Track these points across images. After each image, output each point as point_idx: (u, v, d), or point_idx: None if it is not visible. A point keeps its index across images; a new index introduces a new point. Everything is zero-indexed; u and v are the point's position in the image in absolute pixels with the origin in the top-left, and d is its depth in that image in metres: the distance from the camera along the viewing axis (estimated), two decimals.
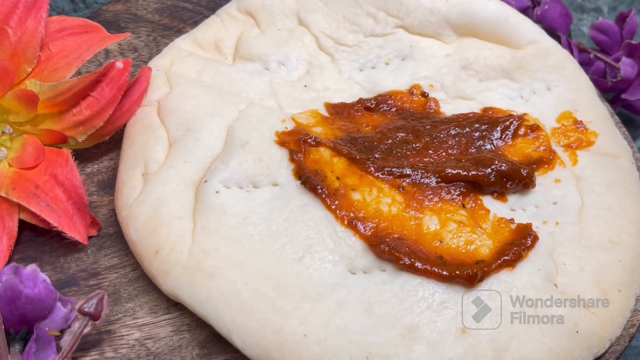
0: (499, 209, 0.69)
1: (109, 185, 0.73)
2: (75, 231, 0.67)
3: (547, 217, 0.69)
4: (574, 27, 0.98)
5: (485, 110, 0.75)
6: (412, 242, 0.65)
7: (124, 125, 0.73)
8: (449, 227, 0.66)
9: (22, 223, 0.68)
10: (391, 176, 0.69)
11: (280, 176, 0.69)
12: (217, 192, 0.67)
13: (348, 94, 0.76)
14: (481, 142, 0.72)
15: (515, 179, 0.69)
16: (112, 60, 0.70)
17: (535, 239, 0.66)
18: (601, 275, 0.65)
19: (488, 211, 0.68)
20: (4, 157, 0.70)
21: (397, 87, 0.77)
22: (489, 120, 0.74)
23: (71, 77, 0.69)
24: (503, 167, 0.69)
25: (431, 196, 0.68)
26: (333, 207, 0.66)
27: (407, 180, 0.69)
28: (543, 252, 0.66)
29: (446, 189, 0.69)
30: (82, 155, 0.73)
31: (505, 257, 0.64)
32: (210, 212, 0.66)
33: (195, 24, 0.82)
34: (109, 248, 0.69)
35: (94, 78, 0.69)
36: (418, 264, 0.63)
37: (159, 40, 0.82)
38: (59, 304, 0.61)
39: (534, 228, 0.67)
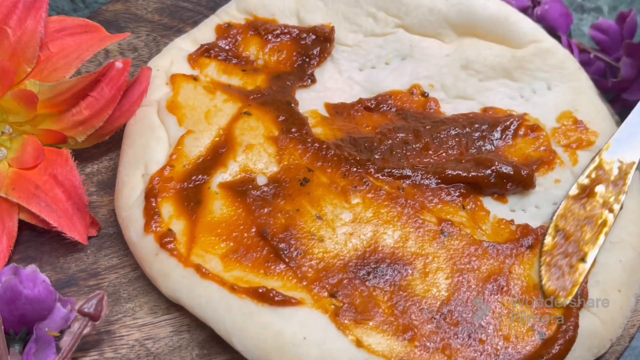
0: (499, 209, 0.69)
1: (109, 185, 0.73)
2: (75, 231, 0.67)
3: (547, 218, 0.69)
4: (574, 27, 0.97)
5: (485, 110, 0.75)
6: None
7: (124, 125, 0.73)
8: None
9: (21, 223, 0.68)
10: (391, 177, 0.69)
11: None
12: (216, 193, 0.67)
13: (348, 94, 0.76)
14: (481, 143, 0.72)
15: (516, 180, 0.69)
16: (111, 60, 0.70)
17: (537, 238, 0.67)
18: (601, 275, 0.65)
19: (488, 212, 0.69)
20: (3, 157, 0.70)
21: (397, 87, 0.77)
22: (489, 120, 0.73)
23: (71, 77, 0.69)
24: (503, 168, 0.69)
25: (431, 197, 0.68)
26: None
27: (407, 182, 0.69)
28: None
29: (446, 190, 0.69)
30: (82, 155, 0.73)
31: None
32: (210, 214, 0.66)
33: (195, 23, 0.82)
34: (109, 248, 0.69)
35: (93, 78, 0.68)
36: None
37: (158, 40, 0.82)
38: (58, 305, 0.61)
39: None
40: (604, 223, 0.67)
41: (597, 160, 0.71)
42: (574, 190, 0.69)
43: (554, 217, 0.68)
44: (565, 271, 0.64)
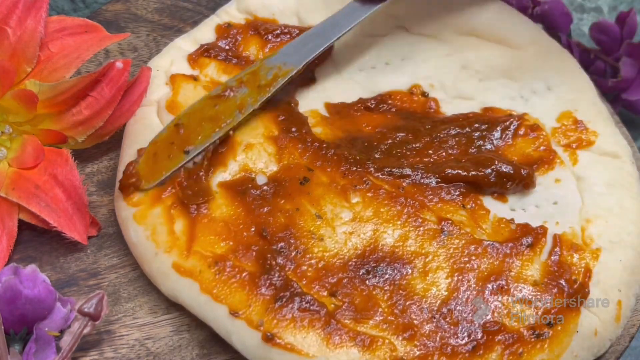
0: (499, 209, 0.69)
1: (109, 185, 0.73)
2: (75, 231, 0.67)
3: (547, 217, 0.69)
4: (574, 27, 0.98)
5: (486, 110, 0.75)
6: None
7: (124, 125, 0.73)
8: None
9: (21, 223, 0.68)
10: (391, 176, 0.69)
11: None
12: (216, 192, 0.67)
13: (348, 94, 0.76)
14: (481, 142, 0.72)
15: (516, 179, 0.69)
16: (111, 60, 0.70)
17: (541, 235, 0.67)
18: (601, 275, 0.65)
19: (488, 211, 0.68)
20: (3, 157, 0.70)
21: (397, 87, 0.77)
22: (489, 120, 0.74)
23: (71, 77, 0.69)
24: (503, 168, 0.69)
25: (431, 196, 0.68)
26: None
27: (407, 181, 0.69)
28: (543, 251, 0.66)
29: (446, 189, 0.69)
30: (82, 155, 0.73)
31: None
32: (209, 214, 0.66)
33: (195, 23, 0.82)
34: (109, 248, 0.69)
35: (93, 78, 0.69)
36: None
37: (158, 40, 0.82)
38: (58, 304, 0.61)
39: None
40: (229, 122, 0.68)
41: (255, 65, 0.72)
42: (216, 91, 0.70)
43: (181, 113, 0.69)
44: (163, 160, 0.67)
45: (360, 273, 0.64)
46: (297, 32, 0.78)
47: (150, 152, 0.67)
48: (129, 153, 0.71)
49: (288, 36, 0.78)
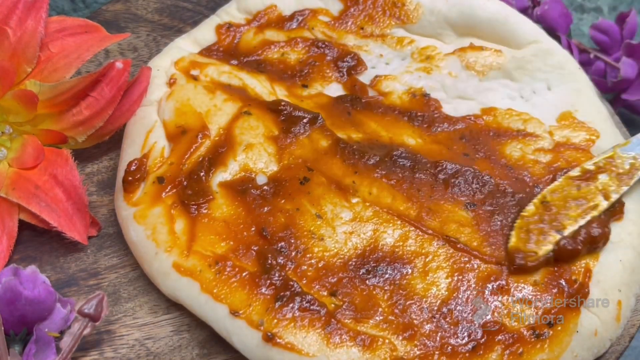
0: None
1: (109, 185, 0.73)
2: (75, 231, 0.67)
3: None
4: (574, 27, 0.98)
5: (485, 111, 0.75)
6: None
7: (124, 125, 0.73)
8: (449, 227, 0.66)
9: (21, 223, 0.68)
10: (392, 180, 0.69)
11: None
12: (216, 192, 0.67)
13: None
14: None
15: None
16: (111, 60, 0.70)
17: None
18: (601, 275, 0.65)
19: None
20: (3, 157, 0.70)
21: (397, 87, 0.77)
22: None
23: (71, 77, 0.69)
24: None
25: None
26: None
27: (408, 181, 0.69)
28: None
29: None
30: (82, 155, 0.73)
31: None
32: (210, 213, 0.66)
33: (195, 23, 0.82)
34: (109, 248, 0.69)
35: (93, 78, 0.69)
36: None
37: (158, 40, 0.82)
38: (58, 305, 0.61)
39: None
40: (595, 207, 0.67)
41: (609, 152, 0.70)
42: (574, 172, 0.69)
43: (545, 189, 0.68)
44: (535, 237, 0.65)
45: (361, 273, 0.64)
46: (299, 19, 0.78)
47: (521, 226, 0.66)
48: (129, 153, 0.71)
49: (289, 22, 0.78)
